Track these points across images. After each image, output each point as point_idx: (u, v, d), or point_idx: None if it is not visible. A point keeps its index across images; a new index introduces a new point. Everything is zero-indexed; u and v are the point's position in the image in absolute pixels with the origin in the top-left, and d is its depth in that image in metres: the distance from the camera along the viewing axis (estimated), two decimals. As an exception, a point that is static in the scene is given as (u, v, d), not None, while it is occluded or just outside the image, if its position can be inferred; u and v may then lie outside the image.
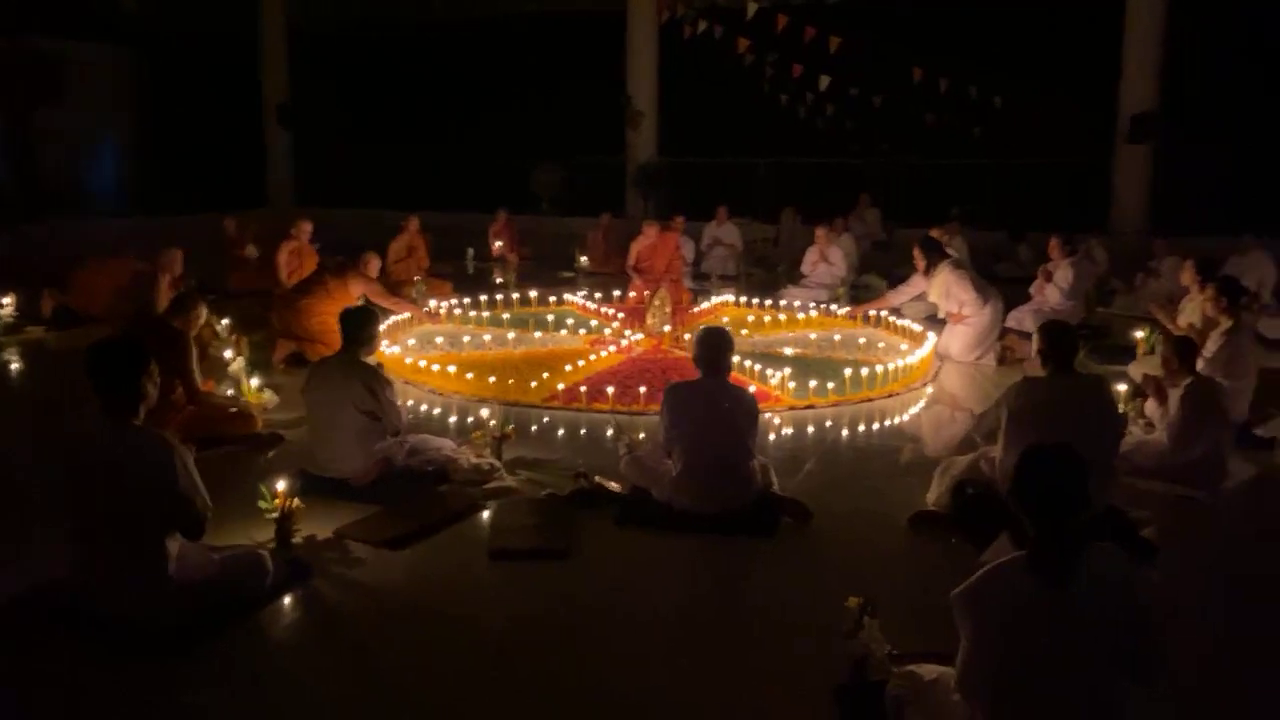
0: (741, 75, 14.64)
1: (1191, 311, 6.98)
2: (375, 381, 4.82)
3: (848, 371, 6.65)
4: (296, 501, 4.09)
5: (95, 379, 3.37)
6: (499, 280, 12.25)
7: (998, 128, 14.77)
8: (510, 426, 5.28)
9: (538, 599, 3.85)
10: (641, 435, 5.26)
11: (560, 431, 5.93)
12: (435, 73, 20.46)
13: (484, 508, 4.64)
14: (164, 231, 14.47)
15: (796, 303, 9.97)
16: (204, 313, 5.62)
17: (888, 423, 6.32)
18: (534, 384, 6.58)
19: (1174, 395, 4.97)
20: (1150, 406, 5.32)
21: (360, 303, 7.95)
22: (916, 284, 8.22)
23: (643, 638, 3.59)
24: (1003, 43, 15.95)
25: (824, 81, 13.84)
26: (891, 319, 8.86)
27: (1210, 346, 5.69)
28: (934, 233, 10.15)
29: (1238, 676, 3.38)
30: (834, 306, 9.77)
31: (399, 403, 4.99)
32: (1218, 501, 4.80)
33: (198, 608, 3.41)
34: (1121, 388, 5.87)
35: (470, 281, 11.85)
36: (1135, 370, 6.77)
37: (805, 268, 11.11)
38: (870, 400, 6.62)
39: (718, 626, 3.67)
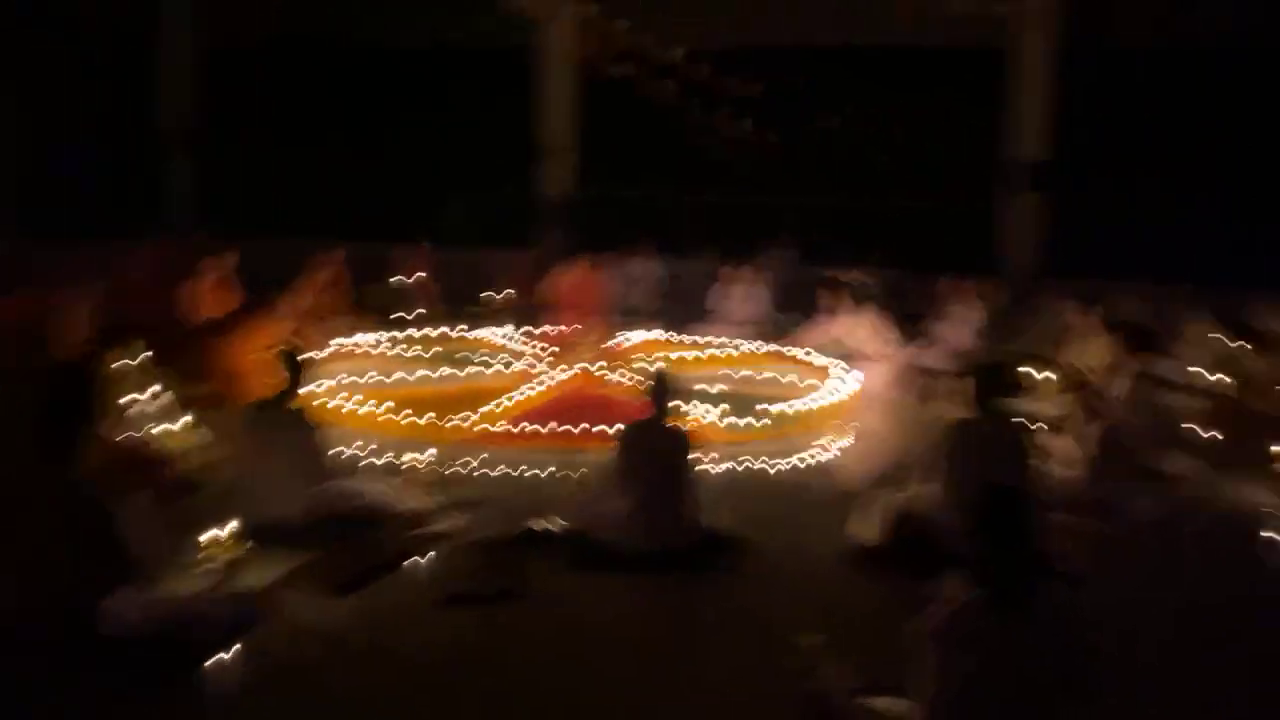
0: (659, 114, 14.99)
1: (1092, 354, 7.37)
2: (305, 426, 4.79)
3: (777, 408, 6.83)
4: (243, 548, 4.02)
5: (35, 425, 3.28)
6: (417, 313, 12.17)
7: (900, 172, 15.42)
8: (450, 468, 5.29)
9: (492, 641, 3.88)
10: (581, 473, 5.31)
11: (496, 470, 5.93)
12: (346, 100, 20.27)
13: (427, 550, 4.63)
14: (57, 260, 13.94)
15: (721, 339, 10.17)
16: (140, 348, 5.47)
17: (816, 459, 6.52)
18: (467, 422, 6.57)
19: (1086, 433, 5.27)
20: (1060, 443, 5.62)
21: (277, 340, 7.86)
22: (841, 323, 8.49)
23: (600, 676, 3.65)
24: (905, 89, 16.68)
25: (746, 125, 14.26)
26: (809, 357, 9.11)
27: (1116, 388, 6.03)
28: (855, 274, 10.54)
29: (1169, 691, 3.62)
30: (757, 344, 9.98)
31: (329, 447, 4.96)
32: (1127, 534, 5.10)
33: (146, 659, 3.32)
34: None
35: (388, 315, 11.69)
36: (1037, 408, 7.11)
37: (729, 305, 11.33)
38: (799, 436, 6.81)
39: (672, 663, 3.75)
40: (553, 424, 6.45)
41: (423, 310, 11.95)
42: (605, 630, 3.95)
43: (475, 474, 5.82)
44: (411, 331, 9.66)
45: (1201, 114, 15.91)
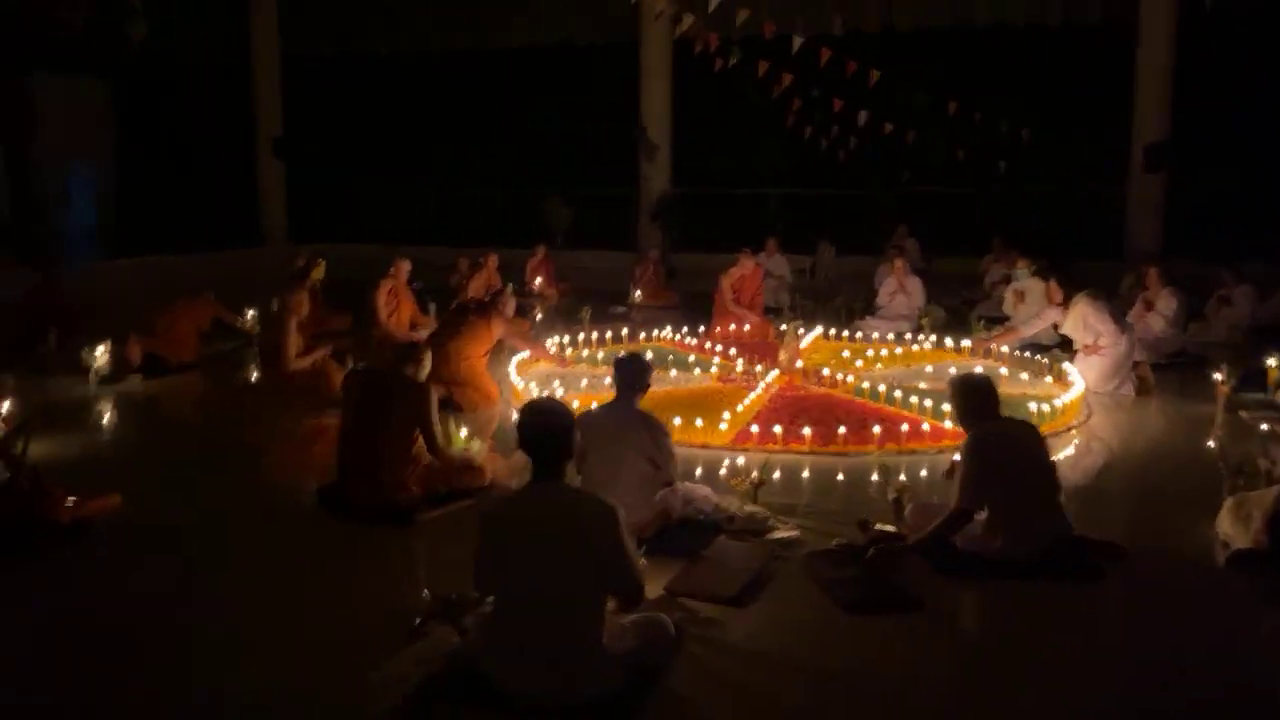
0: (758, 106, 14.77)
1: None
2: (657, 429, 4.67)
3: (1032, 406, 6.66)
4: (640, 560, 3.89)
5: (532, 441, 3.18)
6: (539, 317, 12.06)
7: (1023, 159, 15.13)
8: (775, 473, 5.14)
9: (904, 650, 3.73)
10: (902, 477, 5.15)
11: (776, 475, 5.79)
12: (438, 104, 20.19)
13: (783, 558, 4.49)
14: (181, 272, 13.96)
15: (892, 335, 10.01)
16: (429, 361, 5.37)
17: (1083, 457, 6.34)
18: (723, 426, 6.44)
19: None
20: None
21: (496, 343, 7.77)
22: (1049, 315, 8.30)
23: (1046, 688, 3.48)
24: (1026, 77, 16.42)
25: (862, 116, 14.03)
26: (1004, 350, 8.93)
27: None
28: (1021, 264, 10.32)
29: None
30: (927, 339, 9.79)
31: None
32: None
33: (626, 679, 3.20)
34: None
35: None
36: (1286, 398, 6.92)
37: (882, 299, 11.17)
38: (1055, 434, 6.62)
39: (1078, 676, 3.57)
40: (808, 429, 6.26)
41: (539, 315, 11.72)
42: (1026, 657, 3.74)
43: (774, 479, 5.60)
44: (581, 335, 9.49)
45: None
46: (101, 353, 8.15)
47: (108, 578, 4.42)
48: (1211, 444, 6.63)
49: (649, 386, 4.80)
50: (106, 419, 7.38)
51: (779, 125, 14.95)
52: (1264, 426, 6.57)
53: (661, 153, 18.37)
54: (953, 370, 8.38)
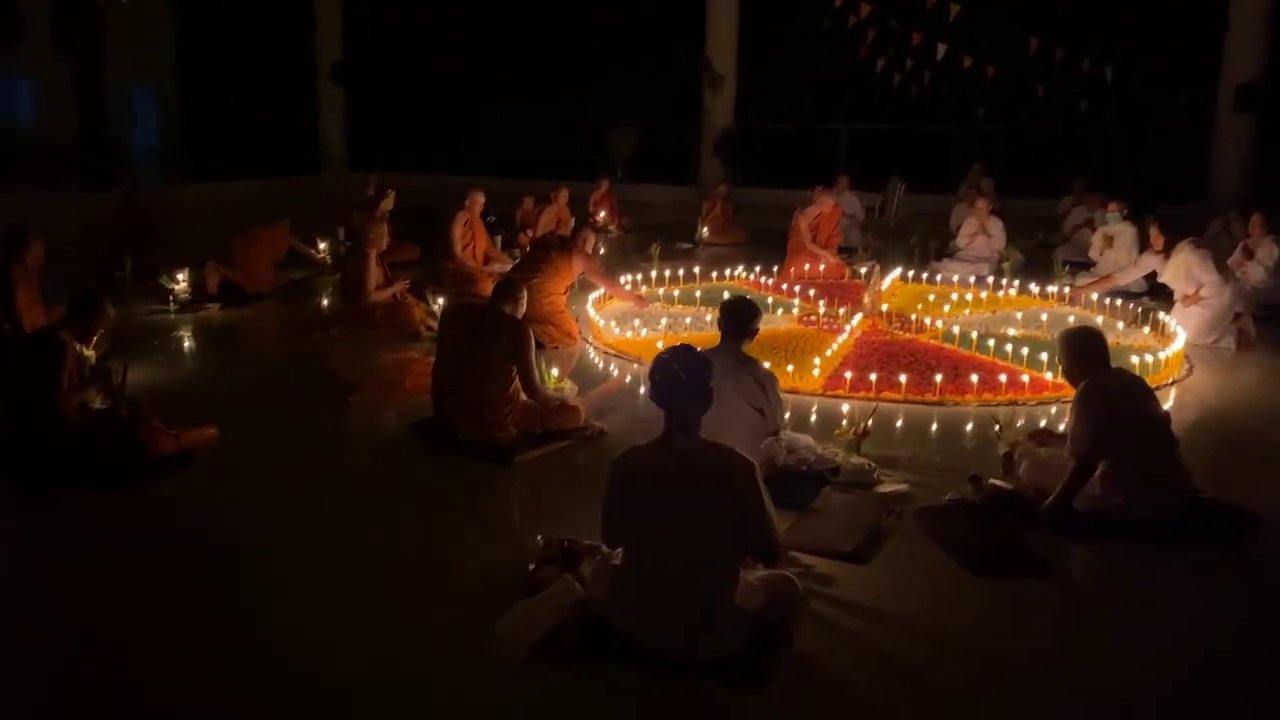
0: (831, 36, 14.28)
1: None
2: (765, 375, 4.54)
3: (1135, 359, 6.41)
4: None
5: (665, 392, 3.06)
6: (601, 251, 11.87)
7: (1105, 99, 14.53)
8: (870, 422, 5.00)
9: (1027, 616, 3.61)
10: (998, 430, 4.97)
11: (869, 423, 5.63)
12: (499, 32, 19.84)
13: (895, 513, 4.37)
14: (243, 198, 13.97)
15: (972, 279, 9.72)
16: (526, 299, 5.25)
17: (1189, 414, 6.10)
18: (815, 371, 6.29)
19: None
20: None
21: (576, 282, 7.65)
22: (1146, 262, 7.99)
23: (1174, 662, 3.35)
24: (1112, 11, 15.71)
25: (941, 50, 13.54)
26: (1094, 298, 8.63)
27: None
28: (1111, 207, 9.93)
29: None
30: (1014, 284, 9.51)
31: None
32: None
33: (756, 637, 3.12)
34: None
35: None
36: None
37: (961, 240, 10.84)
38: (1155, 390, 6.37)
39: (1256, 653, 3.43)
40: (904, 376, 6.08)
41: (601, 249, 11.53)
42: (1135, 609, 3.65)
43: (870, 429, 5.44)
44: (650, 273, 9.32)
45: None
46: (183, 279, 8.15)
47: (208, 511, 4.42)
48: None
49: (757, 332, 4.66)
50: (189, 347, 7.40)
51: (851, 57, 14.51)
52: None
53: (727, 84, 17.93)
54: (1043, 317, 8.17)
